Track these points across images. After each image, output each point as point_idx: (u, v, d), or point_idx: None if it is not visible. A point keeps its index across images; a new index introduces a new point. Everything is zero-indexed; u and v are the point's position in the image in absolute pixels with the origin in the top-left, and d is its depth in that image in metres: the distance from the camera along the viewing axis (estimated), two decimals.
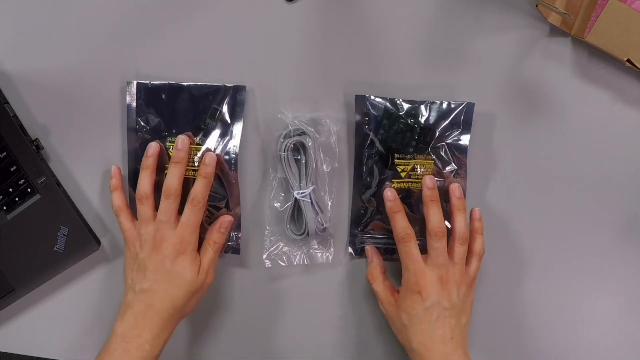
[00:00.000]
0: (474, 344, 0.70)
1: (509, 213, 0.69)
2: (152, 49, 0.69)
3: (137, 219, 0.65)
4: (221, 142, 0.67)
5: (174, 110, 0.68)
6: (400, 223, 0.64)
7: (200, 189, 0.63)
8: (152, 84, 0.68)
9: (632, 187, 0.68)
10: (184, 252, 0.62)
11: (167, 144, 0.67)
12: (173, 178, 0.63)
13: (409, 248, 0.63)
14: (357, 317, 0.70)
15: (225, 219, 0.66)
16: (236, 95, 0.68)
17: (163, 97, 0.68)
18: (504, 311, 0.70)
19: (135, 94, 0.68)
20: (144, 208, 0.63)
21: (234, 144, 0.67)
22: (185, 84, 0.68)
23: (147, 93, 0.68)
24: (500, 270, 0.69)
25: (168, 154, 0.67)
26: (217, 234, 0.65)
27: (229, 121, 0.67)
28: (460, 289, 0.63)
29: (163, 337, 0.61)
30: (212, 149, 0.67)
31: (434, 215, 0.63)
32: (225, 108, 0.67)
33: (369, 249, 0.68)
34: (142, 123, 0.68)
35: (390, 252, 0.69)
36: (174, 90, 0.68)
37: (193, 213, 0.63)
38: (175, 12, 0.69)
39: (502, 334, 0.70)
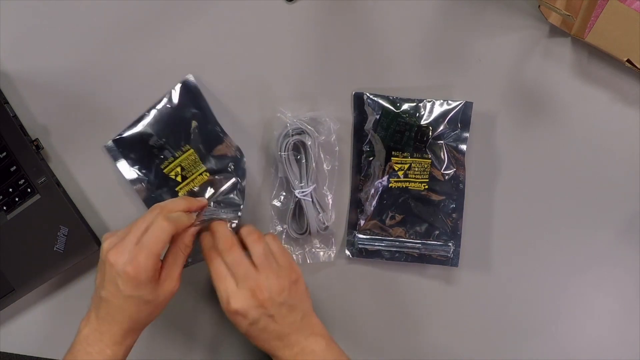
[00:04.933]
0: (473, 344, 0.70)
1: (508, 212, 0.69)
2: (152, 49, 0.69)
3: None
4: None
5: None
6: (205, 240, 0.61)
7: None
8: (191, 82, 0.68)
9: (632, 187, 0.68)
10: (137, 276, 0.56)
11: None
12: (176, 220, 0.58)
13: (215, 266, 0.59)
14: (359, 316, 0.70)
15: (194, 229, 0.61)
16: None
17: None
18: (503, 311, 0.70)
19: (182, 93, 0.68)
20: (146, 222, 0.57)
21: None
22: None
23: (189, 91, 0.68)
24: (499, 270, 0.69)
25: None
26: (189, 237, 0.60)
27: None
28: (280, 287, 0.58)
29: (125, 344, 0.58)
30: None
31: (217, 232, 0.60)
32: None
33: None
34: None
35: (389, 254, 0.69)
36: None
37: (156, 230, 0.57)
38: (175, 12, 0.69)
39: (501, 333, 0.70)
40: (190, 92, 0.67)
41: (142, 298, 0.56)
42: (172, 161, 0.68)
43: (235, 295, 0.58)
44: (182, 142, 0.67)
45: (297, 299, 0.60)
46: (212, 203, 0.67)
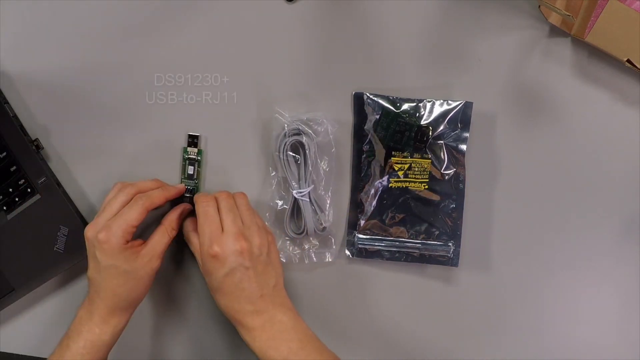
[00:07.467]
0: (473, 343, 0.70)
1: (508, 212, 0.69)
2: (151, 49, 0.69)
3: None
4: None
5: None
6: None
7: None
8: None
9: (632, 187, 0.68)
10: (108, 241, 0.59)
11: None
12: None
13: (204, 208, 0.61)
14: (359, 316, 0.70)
15: (187, 207, 0.66)
16: None
17: None
18: (503, 311, 0.70)
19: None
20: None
21: None
22: None
23: None
24: (499, 270, 0.69)
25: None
26: (176, 220, 0.64)
27: None
28: (261, 242, 0.61)
29: (112, 322, 0.61)
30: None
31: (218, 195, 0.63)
32: None
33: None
34: None
35: (389, 254, 0.68)
36: None
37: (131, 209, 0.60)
38: (174, 12, 0.69)
39: (501, 333, 0.70)
40: None
41: (118, 268, 0.59)
42: None
43: (219, 238, 0.59)
44: None
45: (272, 261, 0.62)
46: None
